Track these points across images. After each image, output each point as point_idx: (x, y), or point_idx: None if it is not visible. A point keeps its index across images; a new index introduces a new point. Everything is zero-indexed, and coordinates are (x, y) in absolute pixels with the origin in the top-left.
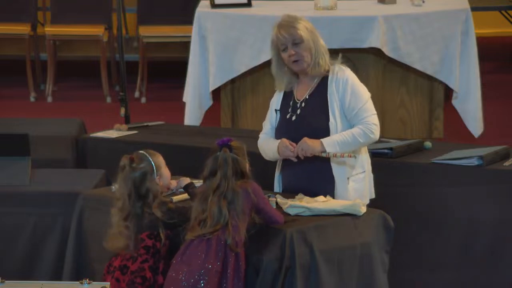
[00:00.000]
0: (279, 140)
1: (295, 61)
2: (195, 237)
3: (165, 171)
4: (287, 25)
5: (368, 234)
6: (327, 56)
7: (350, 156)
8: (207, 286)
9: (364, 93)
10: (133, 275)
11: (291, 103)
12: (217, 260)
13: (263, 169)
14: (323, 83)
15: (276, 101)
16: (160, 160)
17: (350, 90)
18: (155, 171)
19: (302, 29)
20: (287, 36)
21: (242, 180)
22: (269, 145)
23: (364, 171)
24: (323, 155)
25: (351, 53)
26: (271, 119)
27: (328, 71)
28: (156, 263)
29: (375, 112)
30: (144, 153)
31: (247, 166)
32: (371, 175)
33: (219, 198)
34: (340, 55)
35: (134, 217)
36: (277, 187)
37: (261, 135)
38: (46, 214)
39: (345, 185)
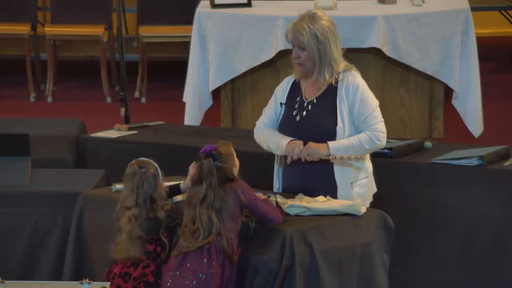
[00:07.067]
0: (289, 138)
1: (297, 63)
2: (190, 250)
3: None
4: (297, 27)
5: (368, 234)
6: (336, 67)
7: (357, 159)
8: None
9: (372, 100)
10: (136, 281)
11: (297, 99)
12: (218, 264)
13: (263, 167)
14: (333, 87)
15: (282, 92)
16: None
17: (359, 96)
18: (160, 174)
19: (309, 37)
20: (293, 39)
21: (230, 182)
22: (275, 139)
23: (367, 176)
24: (329, 158)
25: (351, 53)
26: (275, 110)
27: (338, 78)
28: (158, 267)
29: (382, 119)
30: (145, 159)
31: (235, 168)
32: (373, 178)
33: (207, 209)
34: (353, 65)
35: (147, 222)
36: (276, 182)
37: (259, 123)
38: (46, 214)
39: (349, 190)
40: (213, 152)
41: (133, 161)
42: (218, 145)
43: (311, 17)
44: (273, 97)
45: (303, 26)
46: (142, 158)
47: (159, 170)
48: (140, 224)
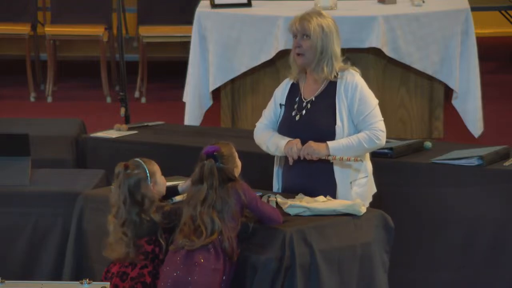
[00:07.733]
0: (287, 138)
1: (298, 54)
2: (194, 248)
3: (160, 179)
4: (305, 17)
5: (368, 234)
6: (336, 64)
7: (357, 160)
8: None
9: (372, 99)
10: (133, 281)
11: (296, 99)
12: (220, 260)
13: (263, 167)
14: (332, 85)
15: (281, 93)
16: (155, 167)
17: (358, 95)
18: (149, 177)
19: (315, 26)
20: (299, 27)
21: (232, 182)
22: (274, 140)
23: (367, 176)
24: (329, 158)
25: (351, 53)
26: (275, 112)
27: (336, 76)
28: (156, 268)
29: (382, 118)
30: (139, 160)
31: (237, 169)
32: (372, 178)
33: (208, 209)
34: (349, 62)
35: (131, 224)
36: (276, 182)
37: (259, 124)
38: (46, 214)
39: (348, 190)
40: (215, 153)
41: (129, 160)
42: (220, 146)
43: (318, 12)
44: (272, 99)
45: (310, 16)
46: (138, 159)
47: (148, 173)
48: (123, 224)
